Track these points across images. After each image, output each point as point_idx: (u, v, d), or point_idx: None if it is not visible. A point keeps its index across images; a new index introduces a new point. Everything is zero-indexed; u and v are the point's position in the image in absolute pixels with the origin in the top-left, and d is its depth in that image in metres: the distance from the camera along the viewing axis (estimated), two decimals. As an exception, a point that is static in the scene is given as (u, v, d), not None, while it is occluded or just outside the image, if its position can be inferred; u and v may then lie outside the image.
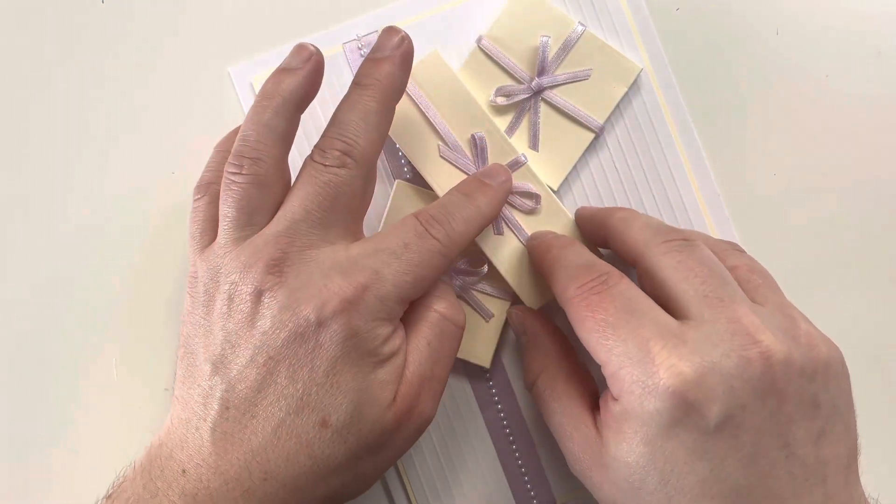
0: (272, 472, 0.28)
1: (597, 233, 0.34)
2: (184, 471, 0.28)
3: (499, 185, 0.33)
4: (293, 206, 0.30)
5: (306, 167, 0.31)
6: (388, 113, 0.32)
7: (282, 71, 0.31)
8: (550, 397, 0.32)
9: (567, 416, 0.31)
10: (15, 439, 0.37)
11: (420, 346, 0.31)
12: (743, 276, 0.30)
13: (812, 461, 0.27)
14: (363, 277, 0.29)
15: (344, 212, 0.30)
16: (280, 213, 0.30)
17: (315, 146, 0.31)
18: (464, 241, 0.32)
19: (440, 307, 0.32)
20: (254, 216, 0.30)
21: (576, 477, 0.31)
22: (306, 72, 0.31)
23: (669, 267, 0.29)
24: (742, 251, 0.32)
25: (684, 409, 0.26)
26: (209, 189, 0.32)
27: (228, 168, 0.30)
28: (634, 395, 0.27)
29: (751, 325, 0.27)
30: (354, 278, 0.29)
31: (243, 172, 0.30)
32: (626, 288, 0.29)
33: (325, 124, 0.37)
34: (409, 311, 0.31)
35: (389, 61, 0.31)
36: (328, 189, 0.30)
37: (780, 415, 0.27)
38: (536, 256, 0.34)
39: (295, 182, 0.31)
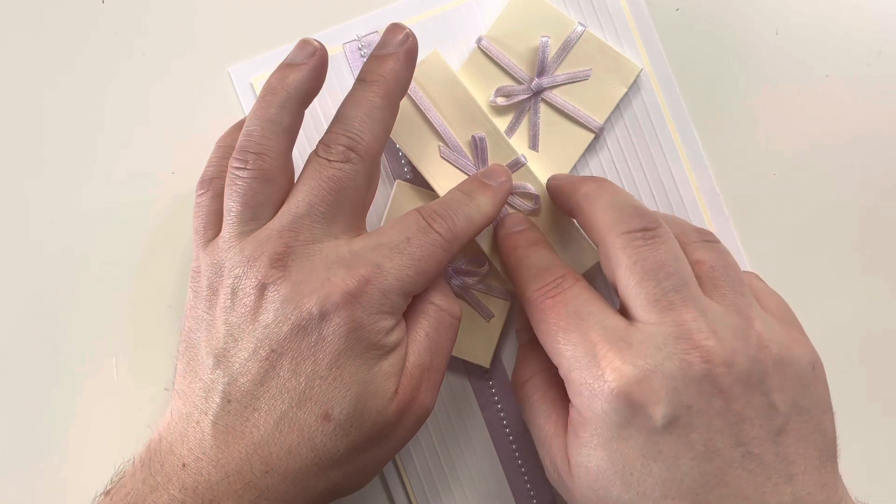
0: (273, 465, 0.28)
1: (565, 206, 0.34)
2: (184, 465, 0.28)
3: (499, 185, 0.34)
4: (297, 201, 0.30)
5: (311, 162, 0.31)
6: (392, 109, 0.32)
7: (286, 66, 0.31)
8: (539, 402, 0.32)
9: (550, 424, 0.31)
10: (15, 440, 0.37)
11: (419, 338, 0.31)
12: (705, 272, 0.30)
13: (772, 459, 0.27)
14: (366, 271, 0.29)
15: (348, 206, 0.30)
16: (284, 207, 0.30)
17: (319, 141, 0.31)
18: (465, 237, 0.32)
19: (436, 299, 0.32)
20: (258, 211, 0.30)
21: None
22: (310, 66, 0.31)
23: (625, 265, 0.29)
24: (713, 241, 0.32)
25: (631, 410, 0.27)
26: (212, 184, 0.32)
27: (233, 163, 0.30)
28: (584, 396, 0.28)
29: (695, 330, 0.27)
30: (357, 272, 0.29)
31: (248, 167, 0.30)
32: (580, 291, 0.30)
33: (324, 123, 0.37)
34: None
35: (394, 58, 0.31)
36: (332, 184, 0.30)
37: (728, 414, 0.27)
38: (503, 252, 0.34)
39: (299, 177, 0.31)
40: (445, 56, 0.36)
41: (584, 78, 0.36)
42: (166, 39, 0.38)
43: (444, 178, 0.35)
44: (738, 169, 0.38)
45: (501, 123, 0.36)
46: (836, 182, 0.38)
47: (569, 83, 0.36)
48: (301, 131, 0.35)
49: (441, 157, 0.35)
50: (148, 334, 0.37)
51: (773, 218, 0.38)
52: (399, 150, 0.36)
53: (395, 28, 0.32)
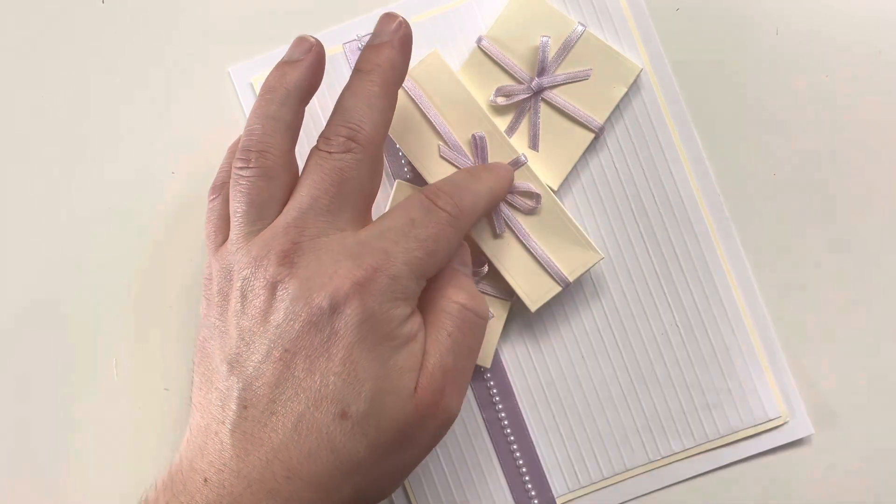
0: (295, 470, 0.27)
1: None
2: (206, 480, 0.28)
3: (504, 171, 0.34)
4: (301, 196, 0.30)
5: (312, 156, 0.30)
6: (391, 97, 0.31)
7: (284, 63, 0.31)
8: None
9: None
10: (14, 440, 0.37)
11: (440, 338, 0.30)
12: None
13: None
14: (372, 259, 0.29)
15: (352, 197, 0.30)
16: (288, 203, 0.30)
17: (320, 135, 0.31)
18: (473, 214, 0.31)
19: (460, 298, 0.31)
20: (263, 210, 0.30)
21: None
22: (308, 62, 0.31)
23: None
24: None
25: None
26: (223, 189, 0.32)
27: (236, 163, 0.30)
28: None
29: None
30: (364, 261, 0.29)
31: (251, 166, 0.30)
32: None
33: (324, 123, 0.37)
34: (427, 302, 0.31)
35: (389, 46, 0.31)
36: (334, 175, 0.30)
37: None
38: None
39: (302, 172, 0.31)
40: (445, 56, 0.36)
41: (585, 78, 0.36)
42: (166, 39, 0.38)
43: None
44: (738, 169, 0.38)
45: (501, 123, 0.36)
46: (836, 182, 0.38)
47: (569, 83, 0.36)
48: (301, 132, 0.35)
49: (441, 156, 0.35)
50: (148, 334, 0.37)
51: (773, 218, 0.38)
52: (399, 150, 0.36)
53: (388, 17, 0.32)
